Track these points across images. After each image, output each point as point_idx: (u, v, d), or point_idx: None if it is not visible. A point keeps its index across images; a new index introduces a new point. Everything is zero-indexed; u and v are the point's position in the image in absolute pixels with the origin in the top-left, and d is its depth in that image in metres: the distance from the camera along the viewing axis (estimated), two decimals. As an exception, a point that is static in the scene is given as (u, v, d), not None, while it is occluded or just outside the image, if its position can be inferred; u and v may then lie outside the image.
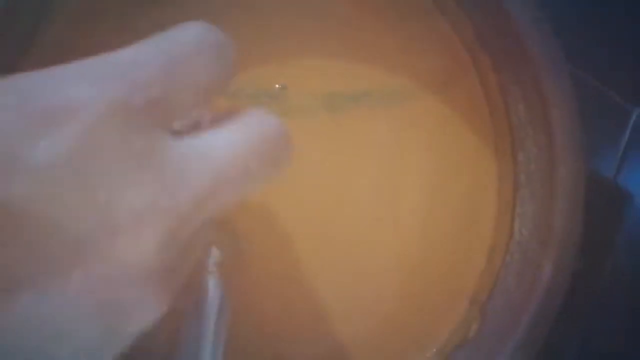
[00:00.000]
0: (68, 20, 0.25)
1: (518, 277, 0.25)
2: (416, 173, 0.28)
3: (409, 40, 0.28)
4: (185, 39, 0.15)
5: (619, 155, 0.47)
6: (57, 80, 0.13)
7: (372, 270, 0.28)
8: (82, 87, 0.13)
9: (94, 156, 0.12)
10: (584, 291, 0.39)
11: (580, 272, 0.39)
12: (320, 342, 0.28)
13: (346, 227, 0.28)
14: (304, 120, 0.27)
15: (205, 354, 0.23)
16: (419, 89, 0.28)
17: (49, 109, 0.12)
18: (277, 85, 0.27)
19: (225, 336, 0.25)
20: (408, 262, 0.28)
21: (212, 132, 0.15)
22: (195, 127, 0.15)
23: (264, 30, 0.27)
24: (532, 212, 0.25)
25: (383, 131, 0.28)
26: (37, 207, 0.11)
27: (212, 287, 0.25)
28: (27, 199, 0.11)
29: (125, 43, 0.14)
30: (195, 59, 0.15)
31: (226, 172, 0.14)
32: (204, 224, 0.14)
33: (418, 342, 0.28)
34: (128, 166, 0.13)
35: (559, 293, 0.23)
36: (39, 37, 0.25)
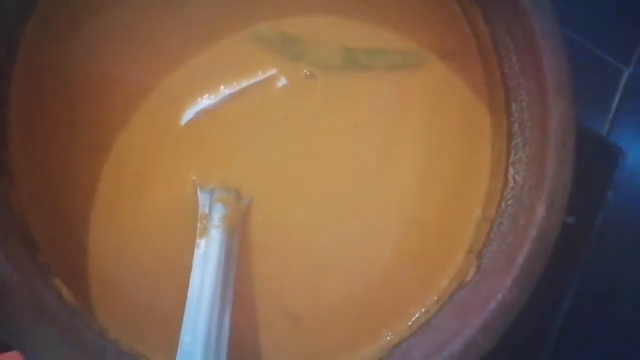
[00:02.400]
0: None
1: (513, 221, 0.26)
2: (412, 129, 0.29)
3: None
4: None
5: (611, 113, 0.48)
6: None
7: (371, 225, 0.29)
8: None
9: None
10: (576, 244, 0.40)
11: (573, 226, 0.40)
12: (323, 295, 0.28)
13: (345, 183, 0.29)
14: (319, 70, 0.28)
15: (215, 300, 0.24)
16: (420, 49, 0.28)
17: None
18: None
19: (233, 282, 0.25)
20: (406, 215, 0.29)
21: None
22: None
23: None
24: (526, 159, 0.26)
25: (384, 90, 0.29)
26: None
27: (218, 237, 0.25)
28: None
29: None
30: None
31: None
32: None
33: (417, 293, 0.28)
34: None
35: (553, 233, 0.24)
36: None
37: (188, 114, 0.28)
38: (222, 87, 0.28)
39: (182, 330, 0.24)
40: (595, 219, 0.41)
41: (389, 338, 0.27)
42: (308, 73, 0.28)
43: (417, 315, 0.28)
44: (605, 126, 0.48)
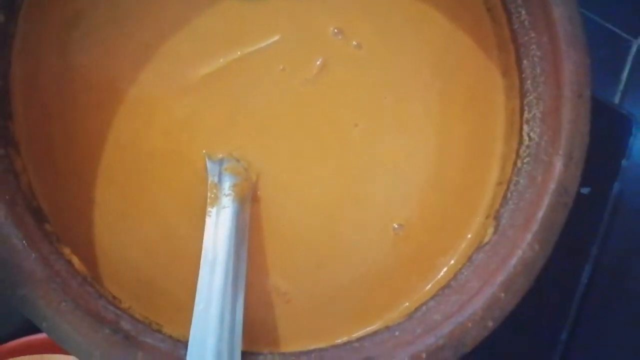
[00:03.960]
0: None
1: (530, 179, 0.26)
2: (425, 93, 0.28)
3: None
4: None
5: (622, 85, 0.47)
6: None
7: (388, 192, 0.28)
8: None
9: None
10: (592, 214, 0.39)
11: (589, 197, 0.40)
12: (338, 267, 0.28)
13: (359, 154, 0.28)
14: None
15: (228, 268, 0.24)
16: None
17: None
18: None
19: (246, 252, 0.25)
20: (422, 181, 0.28)
21: None
22: None
23: None
24: (540, 115, 0.26)
25: (393, 53, 0.28)
26: None
27: (230, 205, 0.25)
28: None
29: None
30: None
31: None
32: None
33: (435, 258, 0.28)
34: None
35: (572, 186, 0.24)
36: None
37: (192, 81, 0.27)
38: (225, 52, 0.27)
39: (196, 300, 0.23)
40: (610, 189, 0.41)
41: (407, 305, 0.27)
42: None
43: (435, 279, 0.27)
44: (616, 97, 0.47)
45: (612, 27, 0.47)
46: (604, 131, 0.40)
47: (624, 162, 0.41)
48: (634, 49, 0.48)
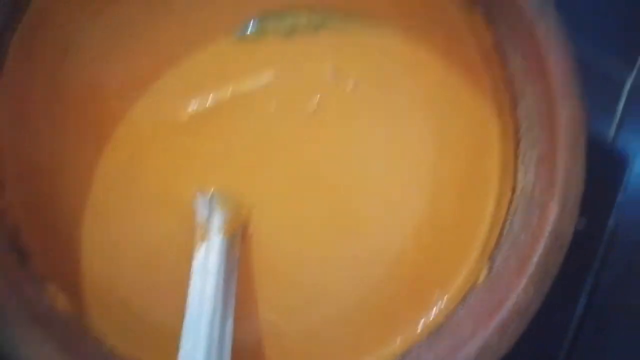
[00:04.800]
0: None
1: (524, 221, 0.26)
2: (419, 132, 0.28)
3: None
4: None
5: (616, 120, 0.47)
6: None
7: (382, 229, 0.28)
8: None
9: None
10: (587, 249, 0.39)
11: (583, 232, 0.40)
12: (330, 301, 0.28)
13: (352, 189, 0.28)
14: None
15: (216, 306, 0.23)
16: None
17: None
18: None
19: (235, 289, 0.25)
20: (417, 219, 0.28)
21: None
22: None
23: None
24: (535, 159, 0.26)
25: (389, 94, 0.28)
26: None
27: (218, 242, 0.25)
28: None
29: None
30: None
31: None
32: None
33: (429, 296, 0.28)
34: None
35: (567, 231, 0.24)
36: None
37: (184, 118, 0.27)
38: (218, 90, 0.27)
39: (183, 338, 0.23)
40: (605, 225, 0.41)
41: (398, 343, 0.26)
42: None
43: (428, 319, 0.27)
44: (611, 132, 0.48)
45: (607, 62, 0.48)
46: (599, 166, 0.40)
47: (619, 197, 0.42)
48: (628, 85, 0.48)
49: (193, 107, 0.27)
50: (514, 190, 0.27)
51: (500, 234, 0.27)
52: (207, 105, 0.27)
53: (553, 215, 0.24)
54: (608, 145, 0.43)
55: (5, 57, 0.24)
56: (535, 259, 0.24)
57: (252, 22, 0.27)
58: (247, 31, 0.27)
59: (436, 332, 0.26)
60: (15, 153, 0.25)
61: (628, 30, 0.47)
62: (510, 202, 0.27)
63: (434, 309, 0.27)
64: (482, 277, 0.26)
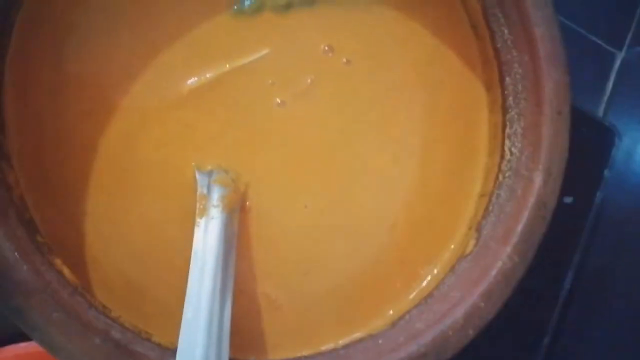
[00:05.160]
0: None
1: (510, 192, 0.27)
2: (410, 106, 0.29)
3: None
4: None
5: (606, 96, 0.48)
6: None
7: (375, 200, 0.29)
8: None
9: None
10: (575, 224, 0.40)
11: (572, 207, 0.41)
12: (325, 273, 0.29)
13: (344, 165, 0.29)
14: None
15: (217, 278, 0.24)
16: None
17: None
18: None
19: (234, 261, 0.26)
20: (407, 193, 0.29)
21: None
22: None
23: None
24: (522, 130, 0.27)
25: (381, 68, 0.29)
26: None
27: (218, 216, 0.26)
28: None
29: None
30: None
31: None
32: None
33: (418, 268, 0.29)
34: None
35: (551, 201, 0.25)
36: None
37: (183, 92, 0.28)
38: (216, 65, 0.28)
39: (185, 308, 0.24)
40: (593, 200, 0.42)
41: (391, 313, 0.28)
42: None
43: (419, 288, 0.28)
44: (600, 109, 0.48)
45: (597, 39, 0.48)
46: (588, 142, 0.41)
47: (606, 173, 0.42)
48: (618, 61, 0.49)
49: (192, 81, 0.28)
50: (501, 162, 0.28)
51: (488, 206, 0.28)
52: (206, 80, 0.28)
53: (537, 185, 0.25)
54: (597, 121, 0.44)
55: (12, 33, 0.25)
56: (519, 228, 0.25)
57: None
58: (244, 5, 0.28)
59: (425, 300, 0.27)
60: (20, 129, 0.25)
61: (618, 7, 0.48)
62: (498, 174, 0.28)
63: (425, 280, 0.28)
64: (469, 248, 0.27)
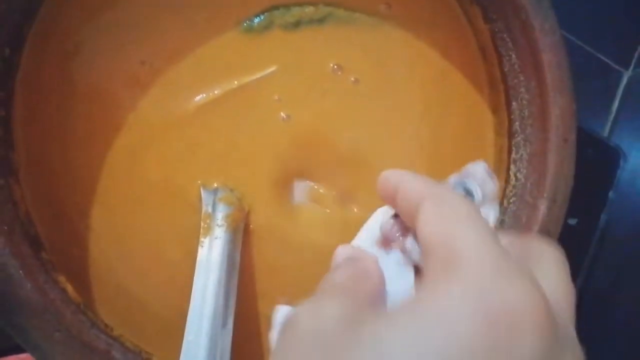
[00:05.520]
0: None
1: (515, 219, 0.27)
2: (417, 125, 0.29)
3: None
4: None
5: (612, 116, 0.48)
6: None
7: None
8: None
9: None
10: (579, 245, 0.40)
11: (576, 228, 0.41)
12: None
13: (353, 182, 0.29)
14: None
15: (219, 299, 0.24)
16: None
17: None
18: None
19: (237, 282, 0.26)
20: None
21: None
22: None
23: None
24: (527, 156, 0.27)
25: (389, 89, 0.29)
26: None
27: (222, 236, 0.26)
28: None
29: None
30: None
31: None
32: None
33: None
34: None
35: (555, 229, 0.25)
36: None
37: (190, 110, 0.28)
38: (223, 82, 0.28)
39: (187, 329, 0.24)
40: (597, 220, 0.42)
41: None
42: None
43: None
44: (606, 128, 0.48)
45: (604, 57, 0.49)
46: (593, 163, 0.41)
47: (611, 194, 0.42)
48: (624, 80, 0.49)
49: (198, 99, 0.28)
50: (506, 188, 0.28)
51: (492, 231, 0.28)
52: (213, 97, 0.28)
53: (541, 213, 0.25)
54: (602, 142, 0.44)
55: (23, 50, 0.25)
56: (524, 255, 0.25)
57: (259, 14, 0.28)
58: (254, 23, 0.28)
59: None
60: (28, 145, 0.26)
61: (624, 28, 0.48)
62: (502, 199, 0.28)
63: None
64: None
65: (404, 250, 0.17)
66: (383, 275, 0.17)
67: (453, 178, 0.18)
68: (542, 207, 0.25)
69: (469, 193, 0.18)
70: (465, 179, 0.18)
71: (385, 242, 0.18)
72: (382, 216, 0.18)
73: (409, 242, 0.17)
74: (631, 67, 0.49)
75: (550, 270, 0.15)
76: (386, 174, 0.17)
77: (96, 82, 0.27)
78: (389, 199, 0.17)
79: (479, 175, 0.18)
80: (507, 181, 0.28)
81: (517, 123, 0.28)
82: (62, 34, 0.26)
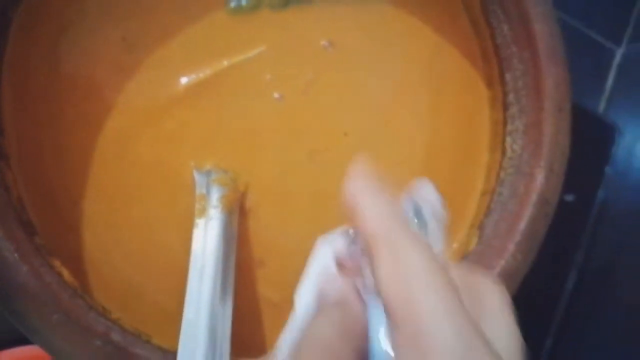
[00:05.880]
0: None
1: (512, 190, 0.27)
2: (413, 102, 0.30)
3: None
4: None
5: (606, 93, 0.48)
6: None
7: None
8: None
9: None
10: (577, 221, 0.40)
11: (573, 204, 0.41)
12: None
13: (349, 160, 0.29)
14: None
15: (217, 279, 0.24)
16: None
17: None
18: None
19: (234, 262, 0.26)
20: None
21: None
22: None
23: None
24: (523, 127, 0.27)
25: (384, 65, 0.29)
26: None
27: (217, 217, 0.26)
28: None
29: None
30: None
31: None
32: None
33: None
34: None
35: (553, 197, 0.25)
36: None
37: (179, 91, 0.28)
38: (212, 63, 0.28)
39: (185, 309, 0.24)
40: (594, 197, 0.42)
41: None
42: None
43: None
44: (601, 105, 0.48)
45: (596, 35, 0.49)
46: (588, 139, 0.41)
47: (607, 170, 0.42)
48: (617, 58, 0.49)
49: (188, 79, 0.28)
50: (502, 160, 0.28)
51: (490, 204, 0.28)
52: (202, 78, 0.28)
53: (539, 183, 0.25)
54: (597, 118, 0.44)
55: (9, 34, 0.25)
56: (522, 226, 0.25)
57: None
58: (241, 2, 0.28)
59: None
60: (18, 130, 0.25)
61: (616, 3, 0.48)
62: (499, 171, 0.28)
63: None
64: (472, 245, 0.27)
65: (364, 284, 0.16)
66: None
67: (405, 200, 0.18)
68: (540, 177, 0.26)
69: (419, 214, 0.18)
70: (416, 199, 0.18)
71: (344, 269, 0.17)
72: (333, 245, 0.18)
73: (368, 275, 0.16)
74: (623, 44, 0.49)
75: (498, 315, 0.16)
76: (349, 189, 0.17)
77: (82, 66, 0.27)
78: (348, 216, 0.17)
79: (429, 195, 0.18)
80: (503, 153, 0.28)
81: (511, 95, 0.28)
82: (48, 15, 0.26)
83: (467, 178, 0.29)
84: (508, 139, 0.28)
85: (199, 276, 0.25)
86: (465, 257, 0.28)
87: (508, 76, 0.28)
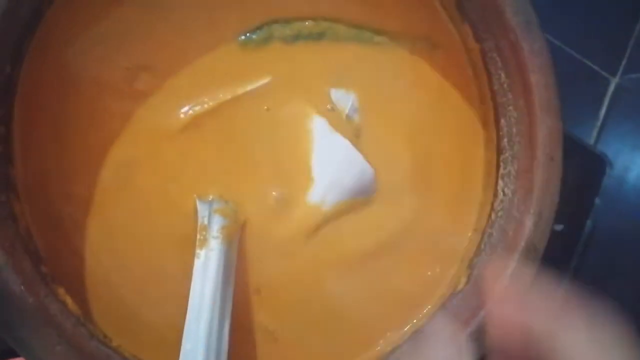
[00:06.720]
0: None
1: (502, 232, 0.28)
2: (406, 142, 0.30)
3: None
4: None
5: (599, 122, 0.49)
6: None
7: (369, 234, 0.30)
8: None
9: None
10: (565, 251, 0.41)
11: (562, 234, 0.42)
12: (325, 306, 0.30)
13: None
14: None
15: (214, 309, 0.25)
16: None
17: None
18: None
19: (232, 292, 0.27)
20: (403, 223, 0.30)
21: None
22: None
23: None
24: (515, 173, 0.28)
25: (387, 102, 0.30)
26: None
27: (217, 248, 0.27)
28: None
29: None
30: None
31: None
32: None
33: (411, 303, 0.30)
34: None
35: (541, 244, 0.26)
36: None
37: (184, 121, 0.29)
38: (217, 94, 0.29)
39: (184, 339, 0.25)
40: (583, 227, 0.43)
41: (379, 348, 0.29)
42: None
43: (411, 323, 0.29)
44: (592, 135, 0.50)
45: (591, 64, 0.50)
46: (579, 170, 0.42)
47: (597, 201, 0.43)
48: (612, 87, 0.50)
49: (192, 109, 0.29)
50: (494, 201, 0.30)
51: (480, 244, 0.29)
52: (207, 108, 0.29)
53: (528, 229, 0.27)
54: (589, 150, 0.45)
55: (22, 66, 0.26)
56: (509, 270, 0.26)
57: (259, 27, 0.29)
58: (252, 36, 0.29)
59: (415, 336, 0.28)
60: (26, 161, 0.26)
61: (612, 34, 0.49)
62: (490, 212, 0.29)
63: (417, 316, 0.29)
64: (461, 285, 0.28)
65: None
66: None
67: None
68: (529, 223, 0.27)
69: None
70: None
71: None
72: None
73: None
74: (618, 74, 0.50)
75: None
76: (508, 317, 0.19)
77: (89, 95, 0.27)
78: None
79: None
80: (495, 195, 0.29)
81: (505, 140, 0.29)
82: (59, 46, 0.27)
83: (460, 216, 0.30)
84: (500, 182, 0.29)
85: (198, 306, 0.26)
86: (454, 294, 0.29)
87: (503, 121, 0.29)
